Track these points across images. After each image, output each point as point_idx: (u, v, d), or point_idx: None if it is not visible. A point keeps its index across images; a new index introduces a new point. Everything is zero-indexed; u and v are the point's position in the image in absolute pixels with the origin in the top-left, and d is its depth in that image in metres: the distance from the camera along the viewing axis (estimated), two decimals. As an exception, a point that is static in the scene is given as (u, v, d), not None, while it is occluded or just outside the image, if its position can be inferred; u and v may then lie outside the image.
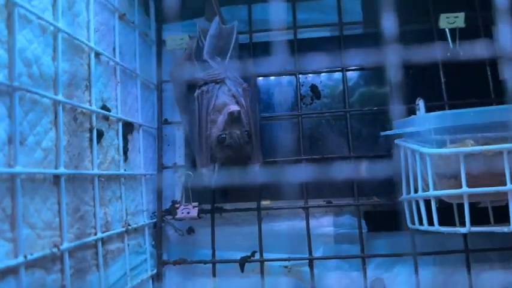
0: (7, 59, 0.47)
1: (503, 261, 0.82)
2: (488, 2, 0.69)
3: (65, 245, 0.54)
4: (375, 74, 0.91)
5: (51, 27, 0.55)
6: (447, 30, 0.87)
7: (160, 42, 0.91)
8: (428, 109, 0.73)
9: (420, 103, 0.78)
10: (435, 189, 0.64)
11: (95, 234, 0.63)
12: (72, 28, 0.60)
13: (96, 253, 0.63)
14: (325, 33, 0.91)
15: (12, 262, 0.45)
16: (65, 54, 0.58)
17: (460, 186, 0.61)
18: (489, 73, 0.86)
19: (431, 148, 0.65)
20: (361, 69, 0.91)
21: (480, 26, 0.87)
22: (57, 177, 0.54)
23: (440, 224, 0.64)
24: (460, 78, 0.86)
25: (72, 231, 0.57)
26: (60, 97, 0.55)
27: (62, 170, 0.55)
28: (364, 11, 0.91)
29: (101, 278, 0.63)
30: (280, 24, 0.86)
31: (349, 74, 0.91)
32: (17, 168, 0.46)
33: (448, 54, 0.88)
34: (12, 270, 0.45)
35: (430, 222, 0.65)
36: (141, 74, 0.83)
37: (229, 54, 0.81)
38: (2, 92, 0.46)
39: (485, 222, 0.75)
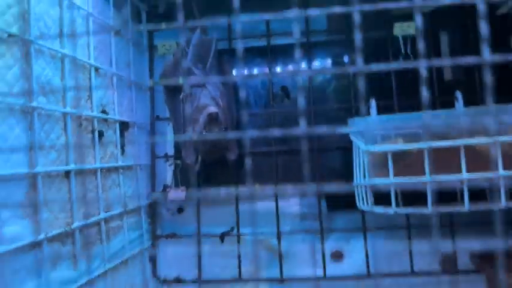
0: (27, 86, 0.61)
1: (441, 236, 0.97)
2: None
3: (75, 224, 0.70)
4: (338, 74, 1.05)
5: (59, 54, 0.70)
6: (400, 37, 1.00)
7: (151, 48, 1.05)
8: (381, 107, 0.88)
9: (372, 103, 0.92)
10: (374, 177, 0.79)
11: (99, 214, 0.79)
12: (76, 50, 0.75)
13: (100, 230, 0.79)
14: (293, 40, 1.04)
15: (37, 238, 0.61)
16: (71, 73, 0.72)
17: (388, 176, 0.75)
18: (435, 76, 0.99)
19: (373, 145, 0.80)
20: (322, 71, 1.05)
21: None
22: (67, 172, 0.70)
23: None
24: (410, 81, 0.99)
25: (80, 213, 0.73)
26: (68, 109, 0.70)
27: (71, 166, 0.70)
28: (328, 21, 1.04)
29: (104, 249, 0.79)
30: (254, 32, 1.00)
31: (317, 75, 1.04)
32: (38, 168, 0.62)
33: (401, 58, 1.01)
34: (37, 244, 0.61)
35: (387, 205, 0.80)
36: (135, 78, 0.97)
37: (209, 62, 0.95)
38: (24, 112, 0.61)
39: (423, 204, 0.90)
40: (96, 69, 0.81)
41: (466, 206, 0.74)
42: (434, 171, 0.74)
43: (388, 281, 0.96)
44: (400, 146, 0.75)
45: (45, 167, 0.64)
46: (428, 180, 0.73)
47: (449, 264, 0.97)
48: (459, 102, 0.92)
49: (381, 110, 0.89)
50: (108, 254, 0.80)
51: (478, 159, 0.75)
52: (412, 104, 0.80)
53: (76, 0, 0.75)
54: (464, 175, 0.73)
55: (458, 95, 0.92)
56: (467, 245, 0.96)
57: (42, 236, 0.62)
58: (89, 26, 0.79)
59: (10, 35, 0.59)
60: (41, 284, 0.61)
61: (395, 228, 0.96)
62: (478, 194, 0.79)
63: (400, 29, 1.00)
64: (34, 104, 0.62)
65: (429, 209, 0.75)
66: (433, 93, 0.99)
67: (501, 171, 0.73)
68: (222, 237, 1.00)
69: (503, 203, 0.73)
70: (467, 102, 0.89)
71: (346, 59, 1.06)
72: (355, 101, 1.01)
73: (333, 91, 1.05)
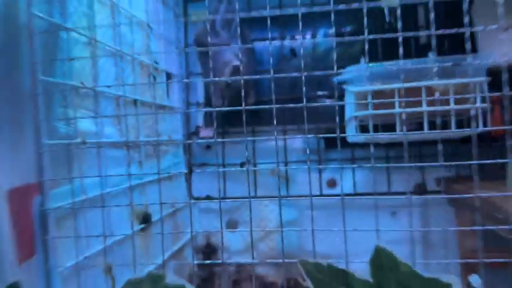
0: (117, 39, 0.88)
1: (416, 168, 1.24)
2: None
3: (140, 138, 0.98)
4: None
5: (129, 15, 0.96)
6: (386, 8, 1.25)
7: (187, 17, 1.32)
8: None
9: (362, 59, 1.18)
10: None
11: (155, 137, 1.06)
12: (142, 15, 1.01)
13: (154, 149, 1.07)
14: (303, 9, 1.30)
15: (124, 139, 0.88)
16: (136, 29, 0.99)
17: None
18: (412, 40, 1.25)
19: (356, 87, 1.06)
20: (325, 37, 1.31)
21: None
22: (135, 100, 0.97)
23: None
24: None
25: (143, 132, 1.00)
26: (135, 55, 0.97)
27: (137, 96, 0.97)
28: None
29: (158, 163, 1.07)
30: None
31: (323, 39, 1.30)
32: (119, 92, 0.89)
33: (385, 25, 1.27)
34: (124, 144, 0.89)
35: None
36: (174, 40, 1.24)
37: (233, 26, 1.21)
38: (114, 54, 0.88)
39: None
40: (151, 28, 1.07)
41: (425, 130, 1.00)
42: (403, 105, 1.00)
43: (371, 200, 1.23)
44: (377, 86, 1.02)
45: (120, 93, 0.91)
46: (397, 111, 1.00)
47: (419, 188, 1.24)
48: (430, 58, 1.18)
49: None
50: (161, 167, 1.08)
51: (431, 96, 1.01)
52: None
53: (138, -24, 1.02)
54: (424, 107, 0.99)
55: (431, 54, 1.17)
56: (435, 173, 1.23)
57: (124, 139, 0.89)
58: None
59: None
60: (125, 171, 0.88)
61: (378, 159, 1.23)
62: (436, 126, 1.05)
63: (386, 1, 1.25)
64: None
65: (397, 133, 1.01)
66: (410, 55, 1.24)
67: (452, 106, 0.99)
68: (242, 165, 1.27)
69: (453, 129, 0.99)
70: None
71: (347, 28, 1.32)
72: (350, 62, 1.27)
73: (336, 53, 1.31)
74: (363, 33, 0.70)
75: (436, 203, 1.22)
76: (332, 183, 1.28)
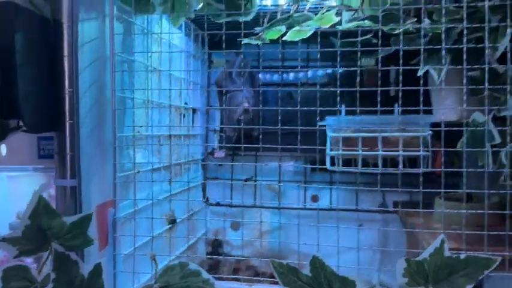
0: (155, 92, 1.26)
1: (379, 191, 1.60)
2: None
3: (172, 161, 1.36)
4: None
5: (169, 74, 1.34)
6: (358, 71, 1.60)
7: (210, 63, 1.69)
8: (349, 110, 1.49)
9: (342, 107, 1.53)
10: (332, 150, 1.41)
11: (182, 159, 1.44)
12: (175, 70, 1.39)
13: (181, 167, 1.45)
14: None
15: (159, 165, 1.26)
16: (174, 85, 1.37)
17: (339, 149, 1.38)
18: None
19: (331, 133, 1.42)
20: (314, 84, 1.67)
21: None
22: (170, 135, 1.35)
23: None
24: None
25: (174, 159, 1.38)
26: (171, 102, 1.35)
27: (170, 132, 1.35)
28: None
29: (182, 177, 1.45)
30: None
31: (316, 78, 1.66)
32: (161, 132, 1.27)
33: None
34: (159, 168, 1.27)
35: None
36: (201, 82, 1.61)
37: (246, 75, 1.58)
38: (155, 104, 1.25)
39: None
40: (183, 79, 1.45)
41: (379, 168, 1.36)
42: (364, 148, 1.36)
43: (343, 213, 1.60)
44: (346, 134, 1.38)
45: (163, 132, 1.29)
46: (359, 152, 1.36)
47: (381, 207, 1.60)
48: (395, 112, 1.53)
49: (348, 112, 1.50)
50: (183, 182, 1.46)
51: (389, 143, 1.36)
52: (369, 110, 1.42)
53: (175, 41, 1.39)
54: (379, 152, 1.34)
55: (396, 107, 1.52)
56: (394, 197, 1.58)
57: (162, 165, 1.27)
58: (181, 56, 1.43)
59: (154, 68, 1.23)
60: (159, 188, 1.27)
61: (350, 183, 1.59)
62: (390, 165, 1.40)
63: (364, 62, 1.60)
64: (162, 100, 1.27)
65: (359, 168, 1.37)
66: (382, 102, 1.59)
67: (400, 151, 1.34)
68: (245, 181, 1.65)
69: (400, 167, 1.34)
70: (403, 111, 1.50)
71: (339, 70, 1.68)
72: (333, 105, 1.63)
73: (323, 97, 1.67)
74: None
75: (393, 220, 1.58)
76: (315, 199, 1.65)
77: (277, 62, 1.65)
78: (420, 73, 1.01)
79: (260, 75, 1.67)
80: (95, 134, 0.97)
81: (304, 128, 1.09)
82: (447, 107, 1.24)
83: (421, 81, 0.98)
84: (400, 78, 1.03)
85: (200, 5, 0.98)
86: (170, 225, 1.31)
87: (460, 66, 0.94)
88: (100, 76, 0.98)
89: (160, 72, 1.22)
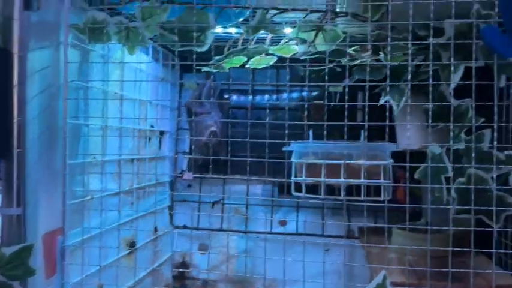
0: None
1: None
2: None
3: (134, 186, 1.35)
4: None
5: (135, 98, 1.34)
6: (332, 93, 1.61)
7: (181, 84, 1.70)
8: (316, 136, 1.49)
9: (310, 132, 1.54)
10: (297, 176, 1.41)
11: (146, 182, 1.44)
12: (141, 94, 1.39)
13: (145, 191, 1.44)
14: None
15: (119, 190, 1.26)
16: (138, 109, 1.37)
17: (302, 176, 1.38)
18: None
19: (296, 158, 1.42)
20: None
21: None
22: (132, 160, 1.35)
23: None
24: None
25: (136, 183, 1.38)
26: (136, 126, 1.35)
27: (134, 156, 1.35)
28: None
29: (148, 200, 1.44)
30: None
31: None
32: (122, 156, 1.27)
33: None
34: (118, 193, 1.27)
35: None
36: (170, 104, 1.62)
37: (215, 98, 1.59)
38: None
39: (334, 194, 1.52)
40: (150, 102, 1.46)
41: (342, 196, 1.36)
42: (327, 175, 1.36)
43: (310, 238, 1.60)
44: (310, 160, 1.38)
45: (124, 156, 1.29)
46: (322, 180, 1.36)
47: (348, 233, 1.60)
48: (361, 138, 1.54)
49: (315, 136, 1.51)
50: (148, 205, 1.46)
51: (353, 170, 1.37)
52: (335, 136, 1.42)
53: (142, 66, 1.39)
54: (341, 180, 1.35)
55: (362, 132, 1.53)
56: (359, 222, 1.58)
57: (121, 189, 1.27)
58: (148, 79, 1.44)
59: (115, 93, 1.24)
60: (121, 214, 1.26)
61: (317, 208, 1.59)
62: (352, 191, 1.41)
63: (332, 88, 1.62)
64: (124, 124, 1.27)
65: (322, 195, 1.37)
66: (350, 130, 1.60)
67: (362, 180, 1.34)
68: (213, 204, 1.65)
69: (362, 196, 1.35)
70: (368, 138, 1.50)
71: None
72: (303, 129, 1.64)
73: (292, 121, 1.68)
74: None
75: (359, 246, 1.57)
76: (283, 223, 1.65)
77: (247, 85, 1.67)
78: (381, 103, 1.04)
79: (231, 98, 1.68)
80: (43, 161, 0.97)
81: (270, 157, 1.09)
82: (409, 137, 1.25)
83: (387, 109, 1.01)
84: (366, 110, 1.06)
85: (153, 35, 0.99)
86: (129, 250, 1.31)
87: (415, 102, 0.96)
88: (51, 104, 0.99)
89: (122, 97, 1.22)
